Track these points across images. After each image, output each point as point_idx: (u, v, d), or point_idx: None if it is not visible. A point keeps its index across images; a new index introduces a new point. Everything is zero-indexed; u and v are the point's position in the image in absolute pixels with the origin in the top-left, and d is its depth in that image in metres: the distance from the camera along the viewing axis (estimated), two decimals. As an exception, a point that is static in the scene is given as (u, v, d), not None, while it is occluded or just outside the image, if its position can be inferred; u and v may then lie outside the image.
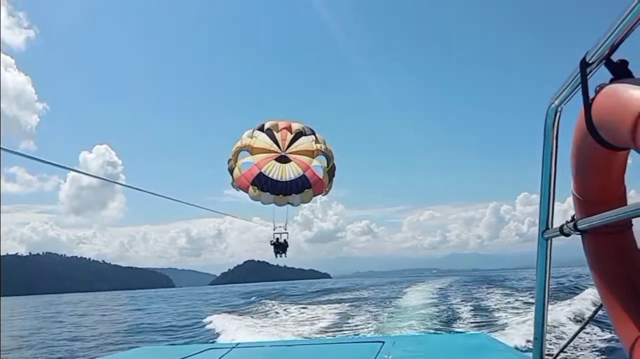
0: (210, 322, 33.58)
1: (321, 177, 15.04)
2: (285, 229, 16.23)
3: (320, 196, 15.47)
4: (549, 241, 2.42)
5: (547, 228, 2.38)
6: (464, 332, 20.73)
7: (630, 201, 1.93)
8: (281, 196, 15.37)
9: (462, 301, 39.05)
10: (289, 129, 15.39)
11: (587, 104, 1.67)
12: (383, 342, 7.42)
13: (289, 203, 15.43)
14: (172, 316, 46.37)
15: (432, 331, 23.07)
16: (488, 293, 45.20)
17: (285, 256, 16.76)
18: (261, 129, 15.65)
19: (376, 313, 32.58)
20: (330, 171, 15.27)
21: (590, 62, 1.72)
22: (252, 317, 34.87)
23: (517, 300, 34.97)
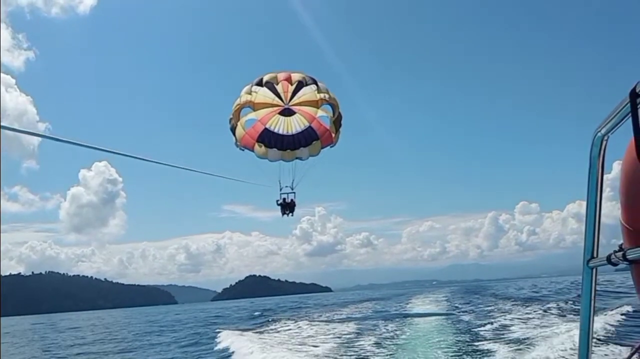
0: (221, 340, 33.15)
1: (328, 127, 14.39)
2: (293, 188, 15.56)
3: (329, 147, 14.75)
4: (594, 270, 2.43)
5: (593, 257, 2.39)
6: None
7: None
8: (289, 151, 14.74)
9: (466, 311, 39.15)
10: (289, 80, 14.73)
11: (638, 134, 1.74)
12: None
13: (297, 158, 14.78)
14: (182, 332, 45.98)
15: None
16: (491, 304, 45.37)
17: (292, 215, 16.02)
18: (260, 83, 14.97)
19: (385, 326, 32.52)
20: (337, 121, 14.59)
21: None
22: (261, 334, 34.46)
23: (519, 311, 35.08)
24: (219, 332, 38.11)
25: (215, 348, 30.13)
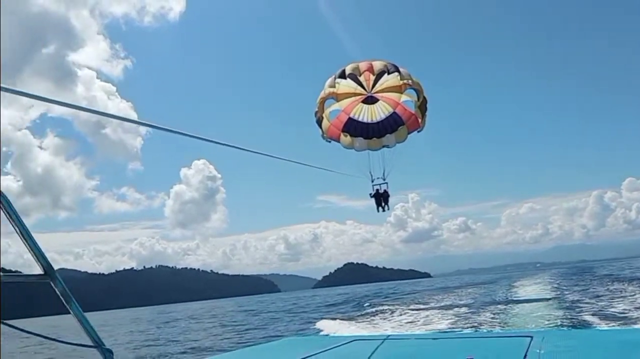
0: (326, 326, 33.54)
1: (413, 112, 13.95)
2: (385, 179, 15.20)
3: (416, 132, 14.32)
4: None
5: None
6: (617, 328, 19.11)
7: None
8: (374, 139, 14.46)
9: (576, 292, 37.04)
10: (370, 69, 14.39)
11: None
12: (531, 337, 6.99)
13: (384, 146, 14.48)
14: (293, 318, 47.21)
15: (572, 326, 21.58)
16: (602, 284, 42.62)
17: (388, 208, 15.63)
18: (342, 75, 14.76)
19: (493, 310, 31.53)
20: (422, 105, 14.12)
21: None
22: (367, 320, 34.58)
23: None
24: (323, 319, 38.71)
25: (322, 334, 30.50)
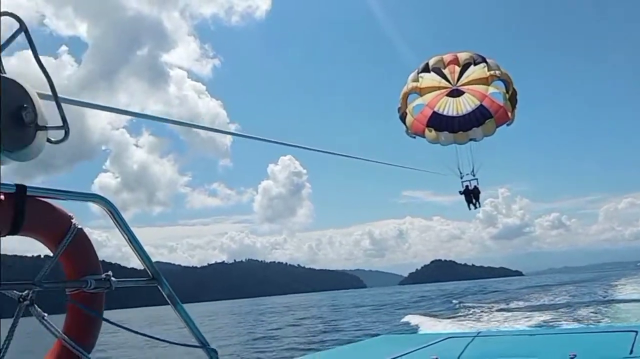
0: (417, 323, 33.22)
1: (502, 104, 13.52)
2: (474, 174, 14.86)
3: (505, 125, 13.86)
4: None
5: None
6: None
7: None
8: (461, 132, 14.16)
9: None
10: (455, 61, 14.03)
11: None
12: (636, 331, 6.52)
13: (470, 139, 14.14)
14: (378, 314, 47.27)
15: None
16: None
17: (480, 205, 15.29)
18: (425, 69, 14.51)
19: (592, 308, 30.08)
20: (512, 97, 13.60)
21: None
22: (456, 318, 34.01)
23: None
24: (413, 315, 38.35)
25: (413, 331, 30.24)
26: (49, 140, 1.12)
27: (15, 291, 2.20)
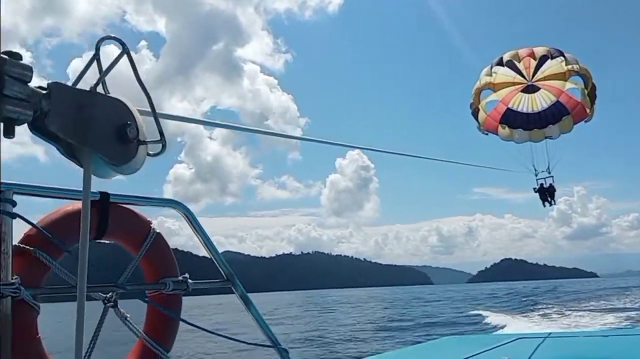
0: (490, 322, 32.61)
1: (579, 100, 12.91)
2: (550, 172, 14.39)
3: (583, 122, 13.24)
4: None
5: None
6: None
7: None
8: (536, 130, 13.65)
9: None
10: (531, 55, 13.49)
11: None
12: None
13: (546, 137, 13.61)
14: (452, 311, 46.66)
15: None
16: None
17: (555, 203, 14.83)
18: (500, 63, 14.05)
19: None
20: (591, 93, 12.95)
21: None
22: (529, 318, 33.11)
23: None
24: (483, 314, 37.62)
25: (482, 331, 29.62)
26: (148, 154, 1.20)
27: (100, 293, 2.34)
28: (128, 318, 2.43)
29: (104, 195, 2.31)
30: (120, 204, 2.39)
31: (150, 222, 2.52)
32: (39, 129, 1.00)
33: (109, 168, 1.19)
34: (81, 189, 2.31)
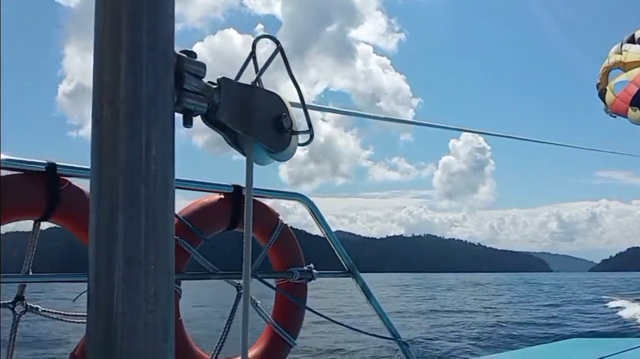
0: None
1: None
2: None
3: None
4: None
5: None
6: None
7: None
8: (670, 113, 12.50)
9: None
10: (669, 31, 12.29)
11: None
12: None
13: (681, 121, 12.43)
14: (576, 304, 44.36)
15: None
16: None
17: None
18: (631, 40, 12.91)
19: None
20: None
21: None
22: None
23: None
24: (614, 308, 35.30)
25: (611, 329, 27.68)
26: (298, 143, 1.30)
27: (234, 281, 2.54)
28: (258, 304, 2.62)
29: (237, 188, 2.49)
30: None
31: (277, 215, 2.70)
32: (211, 120, 1.08)
33: (267, 155, 1.25)
34: (216, 182, 2.52)
